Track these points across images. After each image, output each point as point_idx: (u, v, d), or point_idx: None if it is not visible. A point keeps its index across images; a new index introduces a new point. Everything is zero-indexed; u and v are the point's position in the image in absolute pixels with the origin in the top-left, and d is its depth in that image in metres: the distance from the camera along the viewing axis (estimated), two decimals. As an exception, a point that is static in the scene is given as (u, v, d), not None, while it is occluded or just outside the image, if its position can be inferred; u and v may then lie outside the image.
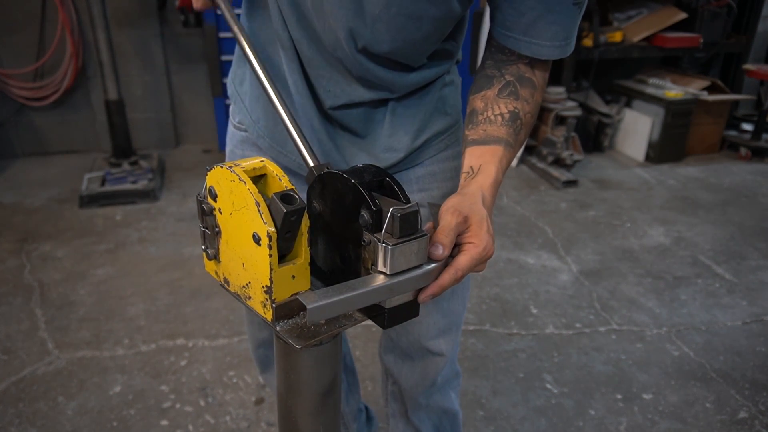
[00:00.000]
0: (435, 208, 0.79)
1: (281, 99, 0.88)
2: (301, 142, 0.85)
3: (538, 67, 0.96)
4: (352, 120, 1.02)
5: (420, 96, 1.05)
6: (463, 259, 0.75)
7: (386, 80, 0.97)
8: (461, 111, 1.16)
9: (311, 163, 0.82)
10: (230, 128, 1.19)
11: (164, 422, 1.90)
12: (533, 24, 0.88)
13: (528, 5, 0.87)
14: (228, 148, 1.21)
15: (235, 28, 0.93)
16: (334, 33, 0.91)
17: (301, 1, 0.91)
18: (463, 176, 0.89)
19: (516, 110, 0.93)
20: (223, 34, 3.74)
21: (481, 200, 0.81)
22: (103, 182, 3.52)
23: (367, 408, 1.77)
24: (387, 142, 1.05)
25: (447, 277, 0.74)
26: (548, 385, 2.09)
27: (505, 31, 0.92)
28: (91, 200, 3.38)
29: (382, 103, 1.03)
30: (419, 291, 0.74)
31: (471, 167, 0.89)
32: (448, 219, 0.75)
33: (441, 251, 0.72)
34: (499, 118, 0.93)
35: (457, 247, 0.77)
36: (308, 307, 0.63)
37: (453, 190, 1.15)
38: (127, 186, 3.48)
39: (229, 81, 1.17)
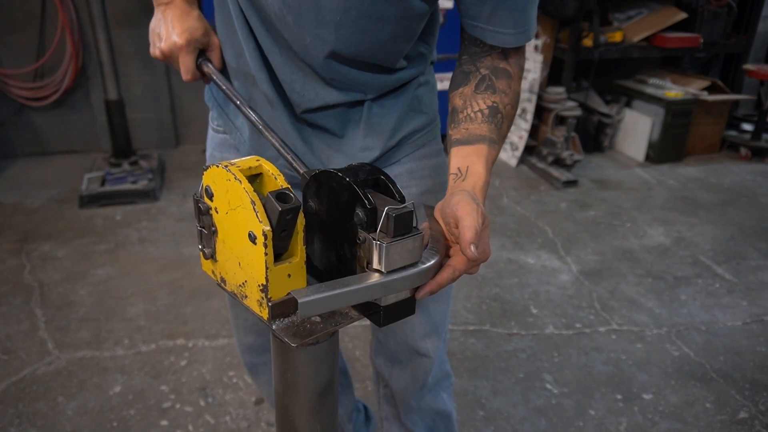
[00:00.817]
0: (429, 209, 0.80)
1: (264, 122, 0.94)
2: (287, 151, 0.89)
3: (512, 55, 0.97)
4: (327, 122, 1.04)
5: (395, 96, 1.07)
6: (460, 260, 0.76)
7: (359, 82, 0.99)
8: (437, 110, 1.18)
9: (301, 170, 0.84)
10: (210, 131, 1.21)
11: (164, 422, 1.90)
12: (494, 12, 0.91)
13: None
14: (208, 152, 1.22)
15: (224, 87, 1.01)
16: (301, 41, 0.93)
17: (266, 12, 0.93)
18: (451, 178, 0.90)
19: (495, 104, 0.94)
20: (223, 35, 3.74)
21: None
22: (103, 182, 3.52)
23: (366, 408, 1.77)
24: (362, 142, 1.06)
25: (445, 275, 0.75)
26: (548, 385, 2.09)
27: (470, 21, 0.94)
28: (91, 200, 3.38)
29: (358, 104, 1.04)
30: (416, 288, 0.74)
31: (459, 169, 0.90)
32: (475, 218, 0.75)
33: (474, 250, 0.73)
34: (479, 114, 0.94)
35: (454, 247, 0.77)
36: (299, 301, 0.64)
37: (432, 187, 1.16)
38: (127, 186, 3.48)
39: (206, 87, 1.18)
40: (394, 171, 1.12)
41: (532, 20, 0.94)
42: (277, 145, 0.92)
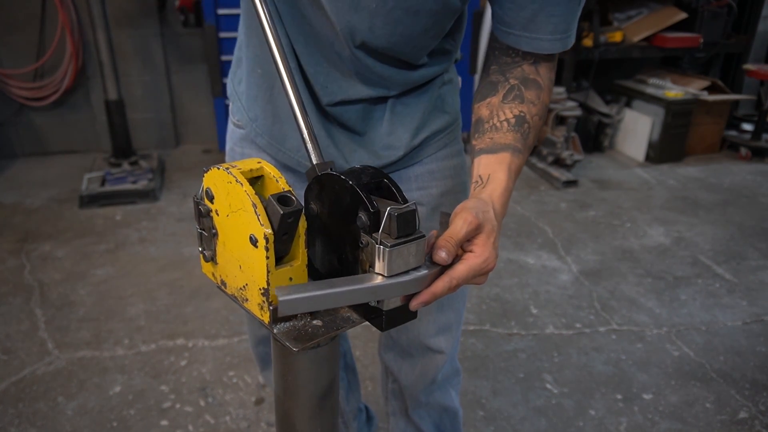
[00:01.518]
0: (445, 216, 0.77)
1: (296, 90, 0.83)
2: (309, 137, 0.82)
3: (543, 66, 0.95)
4: (350, 117, 1.02)
5: (419, 94, 1.05)
6: (460, 269, 0.73)
7: (385, 77, 0.97)
8: (459, 110, 1.16)
9: (315, 160, 0.79)
10: (230, 126, 1.20)
11: (164, 422, 1.90)
12: (533, 18, 0.88)
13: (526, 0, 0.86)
14: (228, 146, 1.21)
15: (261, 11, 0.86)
16: (331, 28, 0.91)
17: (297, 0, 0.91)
18: (472, 186, 0.88)
19: (522, 114, 0.92)
20: (223, 34, 3.74)
21: (492, 210, 0.80)
22: (103, 182, 3.52)
23: (367, 408, 1.78)
24: (386, 140, 1.05)
25: (440, 285, 0.72)
26: (548, 385, 2.09)
27: (505, 28, 0.91)
28: (91, 200, 3.38)
29: (381, 100, 1.03)
30: (410, 297, 0.73)
31: (480, 176, 0.87)
32: (458, 224, 0.73)
33: (443, 255, 0.71)
34: (505, 123, 0.91)
35: (458, 255, 0.75)
36: (279, 299, 0.64)
37: (451, 188, 1.15)
38: (127, 186, 3.48)
39: (228, 81, 1.17)
40: (415, 171, 1.11)
41: (572, 28, 0.91)
42: (304, 130, 0.82)
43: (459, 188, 1.17)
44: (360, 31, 0.89)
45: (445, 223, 0.77)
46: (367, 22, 0.88)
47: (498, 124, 0.92)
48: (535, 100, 0.93)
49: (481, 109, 0.95)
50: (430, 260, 0.73)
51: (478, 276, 0.75)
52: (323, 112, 1.02)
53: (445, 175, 1.14)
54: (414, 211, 0.68)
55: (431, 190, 1.13)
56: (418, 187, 1.13)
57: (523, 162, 0.92)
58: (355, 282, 0.68)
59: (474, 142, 0.94)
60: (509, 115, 0.92)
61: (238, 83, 1.13)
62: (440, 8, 0.88)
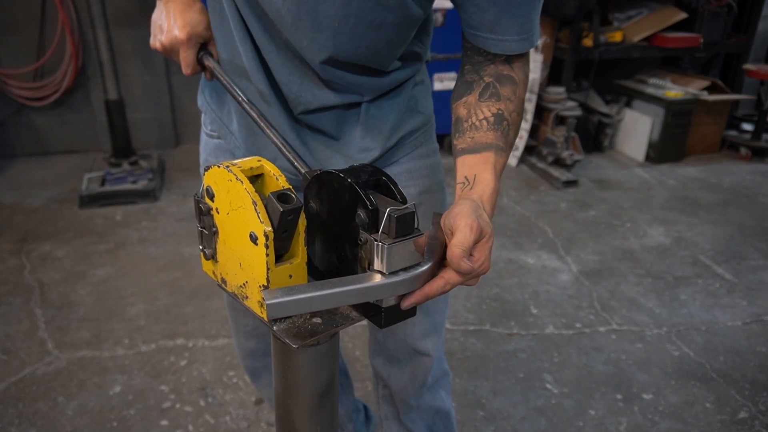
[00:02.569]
0: (437, 217, 0.77)
1: (264, 119, 0.91)
2: (288, 151, 0.87)
3: (516, 61, 0.95)
4: (323, 123, 1.03)
5: (392, 96, 1.06)
6: (454, 273, 0.73)
7: (356, 84, 0.99)
8: (432, 110, 1.17)
9: (302, 170, 0.83)
10: (203, 136, 1.20)
11: (164, 422, 1.90)
12: (497, 21, 0.89)
13: (489, 1, 0.87)
14: (202, 157, 1.21)
15: (225, 81, 0.99)
16: (298, 43, 0.92)
17: (264, 11, 0.92)
18: (458, 187, 0.87)
19: (500, 111, 0.92)
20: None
21: (485, 213, 0.80)
22: (103, 182, 3.52)
23: (366, 408, 1.77)
24: (361, 143, 1.06)
25: (435, 287, 0.72)
26: (548, 385, 2.09)
27: (472, 31, 0.92)
28: (91, 200, 3.38)
29: (355, 105, 1.04)
30: (402, 297, 0.72)
31: (465, 177, 0.87)
32: (467, 232, 0.72)
33: (464, 265, 0.70)
34: (485, 122, 0.92)
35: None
36: (267, 303, 0.64)
37: (429, 187, 1.16)
38: (127, 186, 3.48)
39: (199, 92, 1.18)
40: (392, 171, 1.12)
41: (536, 26, 0.92)
42: (278, 143, 0.90)
43: (436, 187, 1.18)
44: (325, 48, 0.91)
45: (437, 224, 0.77)
46: (330, 39, 0.90)
47: (477, 123, 0.92)
48: (511, 96, 0.94)
49: (459, 109, 0.96)
50: (426, 258, 0.72)
51: (471, 279, 0.75)
52: (296, 120, 1.03)
53: (423, 174, 1.15)
54: (413, 213, 0.68)
55: (410, 189, 1.13)
56: None
57: (506, 160, 0.92)
58: (346, 283, 0.68)
59: (455, 142, 0.94)
60: (488, 114, 0.92)
61: (209, 94, 1.14)
62: (402, 20, 0.90)
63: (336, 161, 1.06)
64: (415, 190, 1.14)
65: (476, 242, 0.73)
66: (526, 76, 0.97)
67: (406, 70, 1.04)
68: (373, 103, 1.04)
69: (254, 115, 0.95)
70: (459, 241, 0.71)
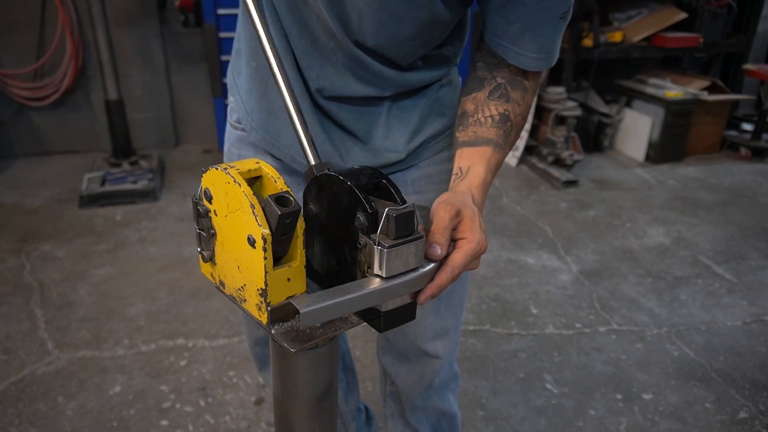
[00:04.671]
0: (424, 210, 0.78)
1: (290, 90, 0.83)
2: (305, 137, 0.82)
3: (529, 74, 0.96)
4: (345, 116, 1.02)
5: (416, 98, 1.05)
6: (457, 257, 0.74)
7: (379, 74, 0.97)
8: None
9: (312, 161, 0.80)
10: (228, 126, 1.19)
11: (164, 422, 1.90)
12: (521, 35, 0.90)
13: (516, 15, 0.88)
14: (225, 147, 1.21)
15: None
16: (327, 23, 0.91)
17: None
18: (453, 178, 0.89)
19: (506, 112, 0.93)
20: (223, 34, 3.74)
21: (470, 198, 0.81)
22: (103, 182, 3.52)
23: (366, 408, 1.77)
24: (383, 144, 1.04)
25: (444, 276, 0.73)
26: (548, 385, 2.09)
27: (495, 38, 0.93)
28: (91, 200, 3.38)
29: (377, 102, 1.02)
30: (417, 293, 0.73)
31: (460, 169, 0.89)
32: (441, 215, 0.74)
33: (439, 251, 0.72)
34: (489, 119, 0.93)
35: (451, 244, 0.76)
36: (301, 311, 0.63)
37: None
38: (127, 186, 3.48)
39: (228, 72, 1.16)
40: (412, 174, 1.11)
41: (556, 48, 0.93)
42: (298, 125, 0.82)
43: None
44: (351, 30, 0.90)
45: (425, 216, 0.77)
46: (356, 18, 0.89)
47: (482, 119, 0.93)
48: (519, 100, 0.95)
49: (467, 104, 0.97)
50: (427, 260, 0.73)
51: (474, 260, 0.76)
52: (318, 106, 1.01)
53: (443, 179, 1.13)
54: (413, 212, 0.68)
55: (429, 194, 1.12)
56: (414, 191, 1.12)
57: (503, 158, 0.94)
58: (364, 285, 0.68)
59: (457, 134, 0.95)
60: (494, 112, 0.93)
61: (237, 75, 1.12)
62: (426, 18, 0.89)
63: (356, 153, 1.04)
64: (433, 195, 1.12)
65: (455, 223, 0.75)
66: (537, 86, 0.99)
67: (433, 72, 1.03)
68: (396, 103, 1.03)
69: (282, 83, 0.84)
70: (434, 227, 0.73)
